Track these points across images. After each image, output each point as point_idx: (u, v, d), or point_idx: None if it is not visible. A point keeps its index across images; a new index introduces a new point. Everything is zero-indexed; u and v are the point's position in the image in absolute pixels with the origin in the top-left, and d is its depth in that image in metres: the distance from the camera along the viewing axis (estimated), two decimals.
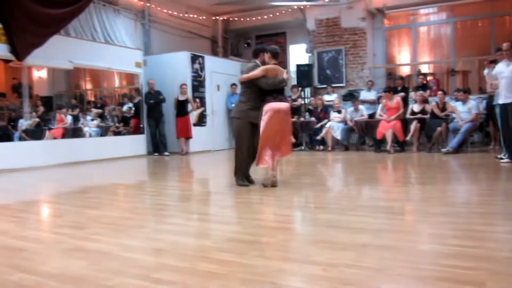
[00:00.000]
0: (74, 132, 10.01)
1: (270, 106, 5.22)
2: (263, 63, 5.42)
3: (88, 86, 12.08)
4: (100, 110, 10.88)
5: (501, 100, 6.90)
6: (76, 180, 7.02)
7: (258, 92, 5.34)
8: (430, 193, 4.78)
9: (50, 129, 9.55)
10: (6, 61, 8.49)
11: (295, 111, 11.50)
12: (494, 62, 7.25)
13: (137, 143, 10.69)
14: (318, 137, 10.86)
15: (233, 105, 11.93)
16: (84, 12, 9.40)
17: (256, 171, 5.78)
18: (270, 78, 5.26)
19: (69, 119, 9.97)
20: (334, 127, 10.67)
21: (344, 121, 10.76)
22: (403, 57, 12.89)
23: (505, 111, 6.87)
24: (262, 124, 5.19)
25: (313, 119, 11.13)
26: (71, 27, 9.59)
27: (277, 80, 5.27)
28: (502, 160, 7.17)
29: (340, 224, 3.50)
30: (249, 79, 5.36)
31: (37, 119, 9.34)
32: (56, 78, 11.05)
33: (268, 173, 5.37)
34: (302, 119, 11.24)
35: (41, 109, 9.82)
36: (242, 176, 5.51)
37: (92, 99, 11.98)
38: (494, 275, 2.29)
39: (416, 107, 9.79)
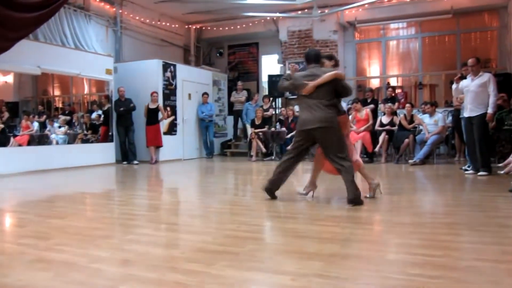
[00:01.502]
0: (41, 139, 9.77)
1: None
2: None
3: (56, 92, 11.83)
4: (68, 117, 10.65)
5: (466, 113, 7.10)
6: (42, 189, 6.85)
7: None
8: (397, 204, 4.87)
9: (15, 135, 9.30)
10: None
11: (266, 121, 11.57)
12: (463, 78, 7.46)
13: (106, 151, 10.52)
14: (289, 147, 10.90)
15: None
16: (54, 16, 9.24)
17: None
18: None
19: (35, 125, 9.72)
20: None
21: None
22: (373, 70, 13.15)
23: (470, 124, 7.07)
24: (346, 133, 5.02)
25: (284, 129, 11.20)
26: (40, 31, 9.41)
27: None
28: (466, 172, 7.37)
29: (309, 234, 3.52)
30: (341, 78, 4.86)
31: (2, 125, 9.08)
32: (23, 84, 10.77)
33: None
34: (273, 129, 11.29)
35: (6, 115, 9.54)
36: None
37: (60, 105, 11.73)
38: (457, 284, 2.34)
39: (384, 119, 9.99)
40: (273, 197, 5.12)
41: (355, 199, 4.62)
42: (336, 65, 5.19)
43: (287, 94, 12.83)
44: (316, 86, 4.73)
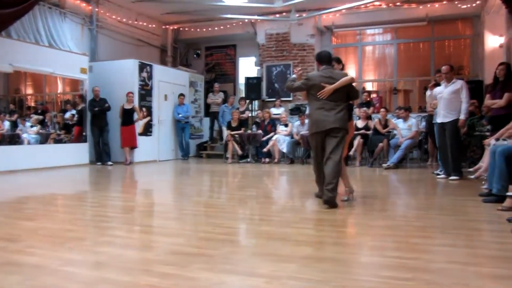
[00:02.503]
0: (11, 138, 9.55)
1: None
2: None
3: (29, 90, 11.60)
4: (40, 116, 10.45)
5: (439, 119, 7.24)
6: (12, 190, 6.69)
7: None
8: (371, 207, 4.92)
9: None
10: None
11: (242, 123, 11.58)
12: (437, 85, 7.61)
13: (79, 152, 10.35)
14: (265, 150, 10.96)
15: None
16: (28, 14, 9.06)
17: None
18: None
19: (6, 125, 9.51)
20: (280, 140, 10.80)
21: (290, 135, 10.91)
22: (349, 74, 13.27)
23: (442, 130, 7.20)
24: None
25: (260, 131, 11.22)
26: (13, 28, 9.20)
27: None
28: (438, 176, 7.51)
29: (283, 237, 3.53)
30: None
31: None
32: None
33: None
34: (249, 131, 11.30)
35: None
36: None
37: (33, 104, 11.50)
38: (429, 286, 2.38)
39: (359, 123, 10.10)
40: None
41: (328, 201, 4.70)
42: (343, 68, 5.39)
43: (264, 96, 12.89)
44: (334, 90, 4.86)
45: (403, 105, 11.14)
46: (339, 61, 5.41)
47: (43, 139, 10.08)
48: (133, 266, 2.78)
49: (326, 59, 5.09)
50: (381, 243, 3.35)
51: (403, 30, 12.56)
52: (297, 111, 12.09)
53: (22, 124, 9.97)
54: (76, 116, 10.69)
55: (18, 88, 11.35)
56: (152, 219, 4.63)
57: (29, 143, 9.66)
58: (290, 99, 12.67)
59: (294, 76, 5.21)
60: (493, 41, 10.40)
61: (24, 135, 9.73)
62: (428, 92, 8.00)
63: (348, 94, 5.00)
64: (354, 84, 5.19)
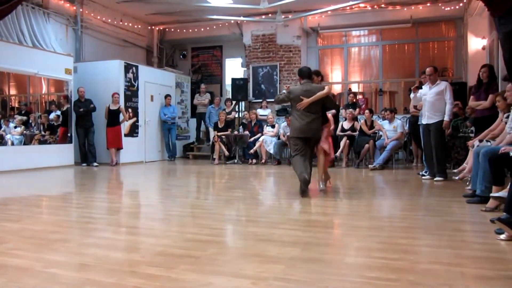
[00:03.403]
0: None
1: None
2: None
3: (12, 91, 11.44)
4: (24, 117, 10.31)
5: (424, 120, 7.31)
6: None
7: None
8: (357, 208, 4.96)
9: None
10: None
11: (229, 124, 11.57)
12: (420, 87, 7.69)
13: (64, 153, 10.26)
14: (251, 151, 10.96)
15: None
16: (11, 14, 8.95)
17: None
18: None
19: None
20: (267, 141, 10.81)
21: (277, 136, 10.94)
22: (335, 75, 13.37)
23: (427, 131, 7.28)
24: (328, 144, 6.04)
25: (246, 132, 11.22)
26: None
27: None
28: (423, 177, 7.58)
29: (270, 238, 3.54)
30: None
31: None
32: None
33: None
34: (235, 132, 11.30)
35: None
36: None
37: (16, 105, 11.34)
38: (414, 286, 2.41)
39: (346, 124, 10.16)
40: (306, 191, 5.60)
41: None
42: (322, 80, 6.22)
43: (251, 97, 12.90)
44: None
45: (388, 107, 11.24)
46: (318, 73, 6.24)
47: (27, 140, 9.96)
48: (118, 267, 2.76)
49: (306, 74, 5.89)
50: (367, 244, 3.37)
51: (388, 32, 12.68)
52: (283, 112, 12.12)
53: (5, 125, 9.82)
54: (61, 117, 10.58)
55: (1, 88, 11.17)
56: (138, 220, 4.60)
57: (12, 144, 9.54)
58: None
59: (284, 91, 5.98)
60: (476, 43, 10.55)
61: (8, 136, 9.60)
62: (412, 95, 8.09)
63: (324, 105, 5.86)
64: (340, 87, 5.69)
